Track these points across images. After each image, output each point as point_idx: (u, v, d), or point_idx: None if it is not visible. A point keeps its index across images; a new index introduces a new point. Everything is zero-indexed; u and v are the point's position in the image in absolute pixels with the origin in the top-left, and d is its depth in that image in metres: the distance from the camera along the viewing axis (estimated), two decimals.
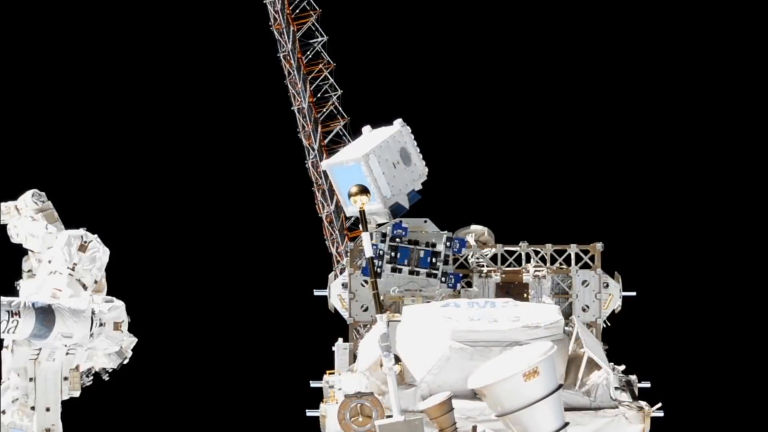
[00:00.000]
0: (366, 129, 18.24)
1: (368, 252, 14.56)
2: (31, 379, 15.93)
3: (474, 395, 14.33)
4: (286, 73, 30.82)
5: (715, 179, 29.96)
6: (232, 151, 32.01)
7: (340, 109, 29.48)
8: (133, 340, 16.61)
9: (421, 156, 18.18)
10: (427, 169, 18.26)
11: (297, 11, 30.58)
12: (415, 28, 30.71)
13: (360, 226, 14.98)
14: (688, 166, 30.04)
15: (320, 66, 29.98)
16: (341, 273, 18.45)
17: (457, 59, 30.80)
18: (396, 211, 17.76)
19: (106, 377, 16.70)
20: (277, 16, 30.76)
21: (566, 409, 14.11)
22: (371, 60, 29.72)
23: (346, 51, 29.39)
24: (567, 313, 17.49)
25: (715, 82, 30.16)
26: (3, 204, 16.97)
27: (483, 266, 18.17)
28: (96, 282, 16.27)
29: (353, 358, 17.10)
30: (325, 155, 26.86)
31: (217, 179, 32.32)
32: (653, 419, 14.49)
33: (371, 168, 17.44)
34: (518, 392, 13.27)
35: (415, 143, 18.15)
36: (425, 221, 18.05)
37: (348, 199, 15.15)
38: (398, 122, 18.18)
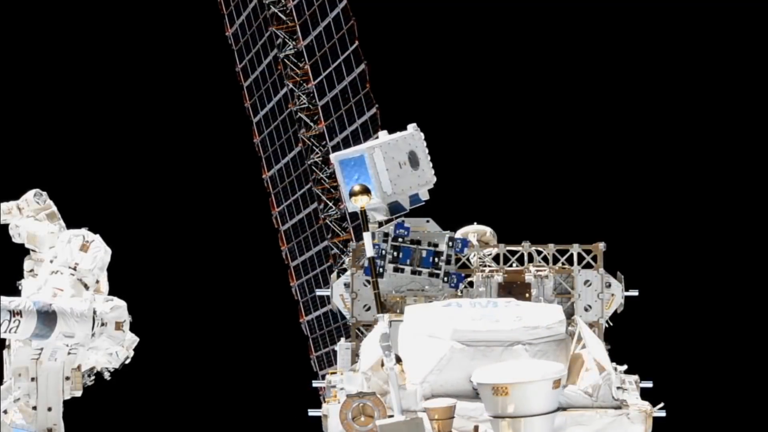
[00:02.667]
0: (382, 133, 18.17)
1: (369, 252, 14.55)
2: (32, 379, 15.92)
3: (476, 395, 14.30)
4: (277, 75, 30.55)
5: (716, 179, 29.97)
6: (233, 149, 32.04)
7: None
8: (135, 340, 16.60)
9: (431, 165, 18.10)
10: (435, 178, 18.20)
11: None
12: (419, 29, 30.73)
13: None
14: (690, 166, 30.05)
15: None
16: (342, 273, 18.40)
17: (460, 60, 30.82)
18: (394, 209, 17.72)
19: (107, 377, 16.69)
20: (283, 16, 30.61)
21: (568, 409, 14.13)
22: (375, 61, 29.73)
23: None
24: (569, 313, 17.47)
25: (715, 83, 30.18)
26: (4, 204, 16.97)
27: (486, 266, 18.16)
28: (97, 282, 16.26)
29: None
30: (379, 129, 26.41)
31: (220, 178, 32.33)
32: (655, 420, 14.46)
33: (375, 161, 17.38)
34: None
35: (427, 150, 18.08)
36: (427, 221, 18.02)
37: (349, 197, 15.15)
38: (412, 126, 18.13)
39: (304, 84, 30.66)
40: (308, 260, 31.11)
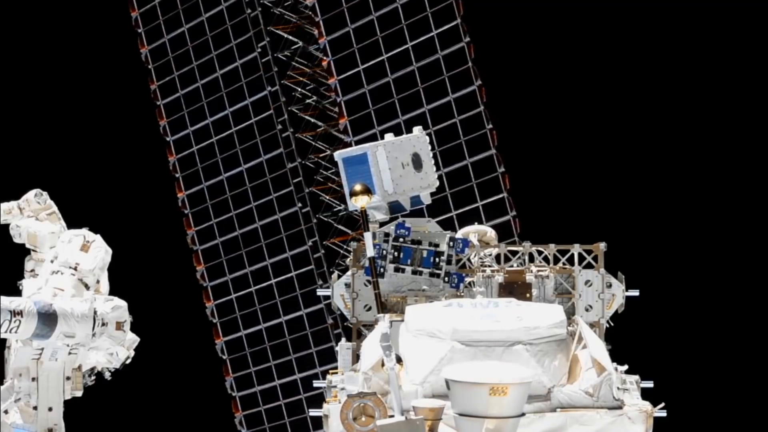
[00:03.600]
0: (388, 136, 18.18)
1: (370, 252, 14.56)
2: (33, 379, 15.90)
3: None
4: (247, 81, 30.22)
5: (716, 179, 29.96)
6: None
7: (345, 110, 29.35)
8: (135, 340, 16.59)
9: (434, 168, 18.09)
10: (437, 183, 18.21)
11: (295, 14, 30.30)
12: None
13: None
14: (689, 167, 30.04)
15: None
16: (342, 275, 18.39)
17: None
18: (395, 209, 17.74)
19: (108, 377, 16.68)
20: (287, 14, 30.43)
21: (569, 409, 14.13)
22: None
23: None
24: (570, 313, 17.47)
25: (715, 83, 30.17)
26: (4, 204, 16.97)
27: (487, 266, 18.16)
28: (98, 282, 16.25)
29: (356, 358, 17.11)
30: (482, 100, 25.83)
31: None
32: (655, 420, 14.46)
33: (377, 159, 17.39)
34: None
35: (431, 154, 18.07)
36: (428, 221, 18.03)
37: (350, 197, 15.16)
38: (417, 129, 18.14)
39: (309, 83, 30.43)
40: (254, 273, 30.50)
